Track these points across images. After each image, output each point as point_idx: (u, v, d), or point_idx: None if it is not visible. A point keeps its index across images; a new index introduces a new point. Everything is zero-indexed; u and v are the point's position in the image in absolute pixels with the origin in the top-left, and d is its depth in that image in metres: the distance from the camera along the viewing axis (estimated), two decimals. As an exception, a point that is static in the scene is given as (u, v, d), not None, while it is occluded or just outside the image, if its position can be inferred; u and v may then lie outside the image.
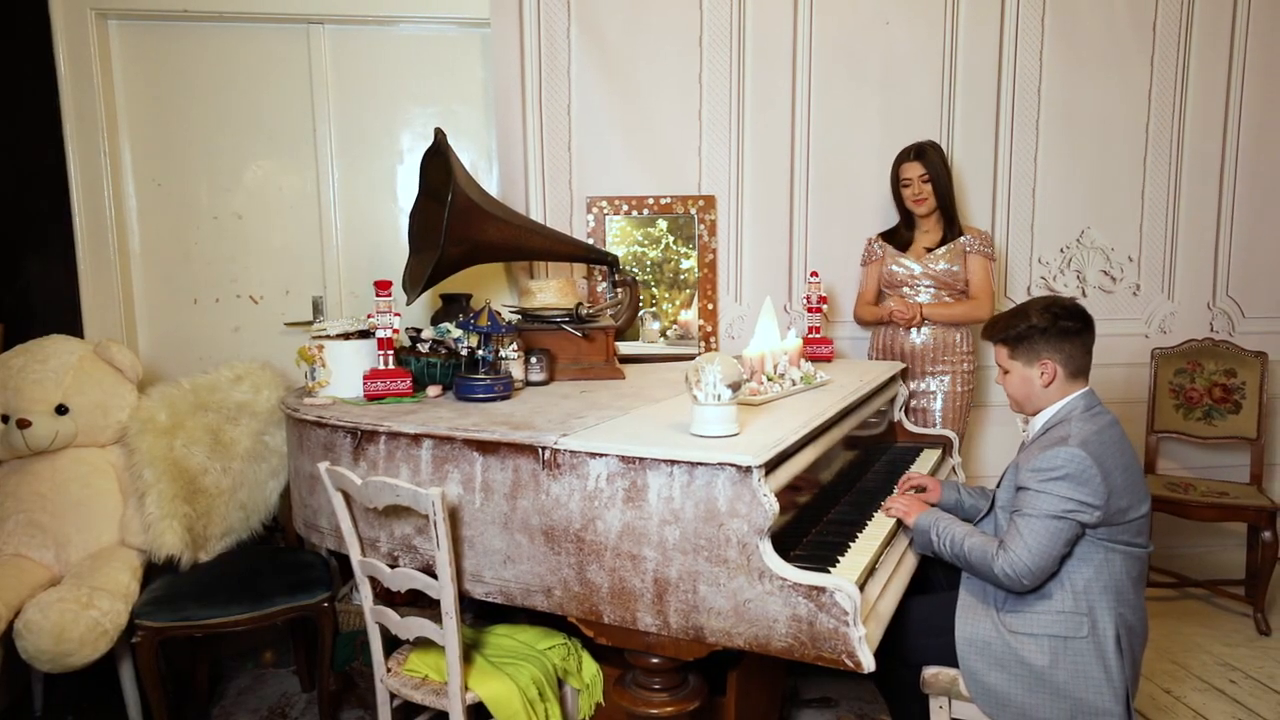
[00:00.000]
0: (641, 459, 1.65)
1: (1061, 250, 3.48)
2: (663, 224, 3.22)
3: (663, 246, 3.22)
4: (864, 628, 1.53)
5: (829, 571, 1.72)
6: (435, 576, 1.79)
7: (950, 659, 1.87)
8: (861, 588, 1.71)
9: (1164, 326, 3.56)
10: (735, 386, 1.72)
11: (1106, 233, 3.49)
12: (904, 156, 3.04)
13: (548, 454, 1.74)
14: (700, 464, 1.59)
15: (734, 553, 1.58)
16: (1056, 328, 1.94)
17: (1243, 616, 3.22)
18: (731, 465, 1.57)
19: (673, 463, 1.62)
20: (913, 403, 3.07)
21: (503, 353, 2.34)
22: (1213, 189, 3.52)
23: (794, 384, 2.31)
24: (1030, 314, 1.97)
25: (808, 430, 1.87)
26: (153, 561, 2.50)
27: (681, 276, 3.23)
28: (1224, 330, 3.57)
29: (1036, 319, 1.95)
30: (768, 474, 1.62)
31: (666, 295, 3.24)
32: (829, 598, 1.52)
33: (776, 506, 1.56)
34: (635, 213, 3.20)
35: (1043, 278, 3.48)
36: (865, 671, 1.53)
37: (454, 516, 1.86)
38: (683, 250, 3.22)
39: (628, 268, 3.15)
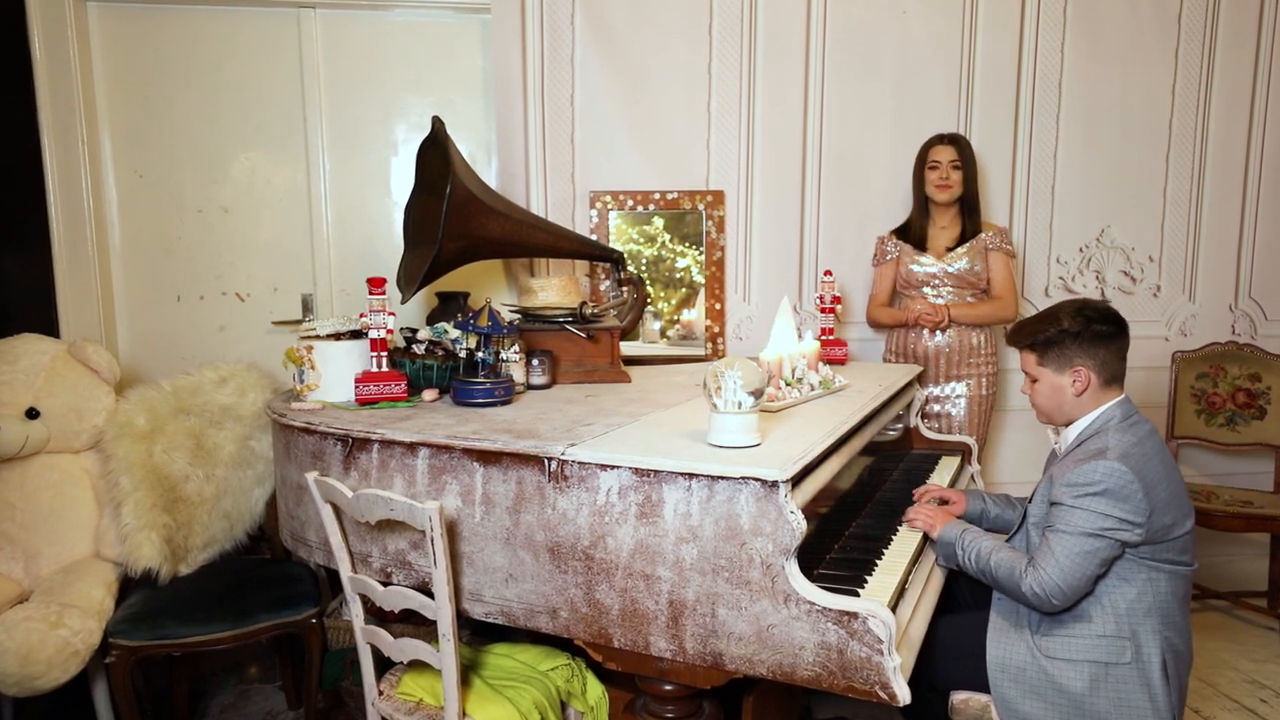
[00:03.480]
0: (657, 471, 1.53)
1: (1080, 250, 3.38)
2: (659, 221, 3.09)
3: (659, 244, 3.10)
4: (899, 656, 1.41)
5: (858, 593, 1.60)
6: (431, 595, 1.67)
7: (981, 683, 1.77)
8: (893, 610, 1.59)
9: (1185, 329, 3.46)
10: (757, 394, 1.60)
11: (1127, 232, 3.39)
12: (937, 139, 2.93)
13: (554, 465, 1.62)
14: (721, 478, 1.47)
15: (757, 574, 1.47)
16: (1089, 332, 1.82)
17: (1267, 630, 3.13)
18: (756, 480, 1.45)
19: (691, 476, 1.50)
20: (934, 408, 2.95)
21: (503, 354, 2.22)
22: (1236, 188, 3.42)
23: (812, 389, 2.19)
24: (1061, 318, 1.85)
25: (833, 439, 1.76)
26: (129, 575, 2.37)
27: (678, 275, 3.11)
28: (1246, 333, 3.47)
29: (1068, 323, 1.84)
30: (793, 488, 1.50)
31: (662, 294, 3.12)
32: (861, 624, 1.40)
33: (804, 524, 1.44)
34: (640, 208, 3.08)
35: (1061, 278, 3.38)
36: (900, 704, 1.41)
37: (452, 531, 1.74)
38: (679, 248, 3.10)
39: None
